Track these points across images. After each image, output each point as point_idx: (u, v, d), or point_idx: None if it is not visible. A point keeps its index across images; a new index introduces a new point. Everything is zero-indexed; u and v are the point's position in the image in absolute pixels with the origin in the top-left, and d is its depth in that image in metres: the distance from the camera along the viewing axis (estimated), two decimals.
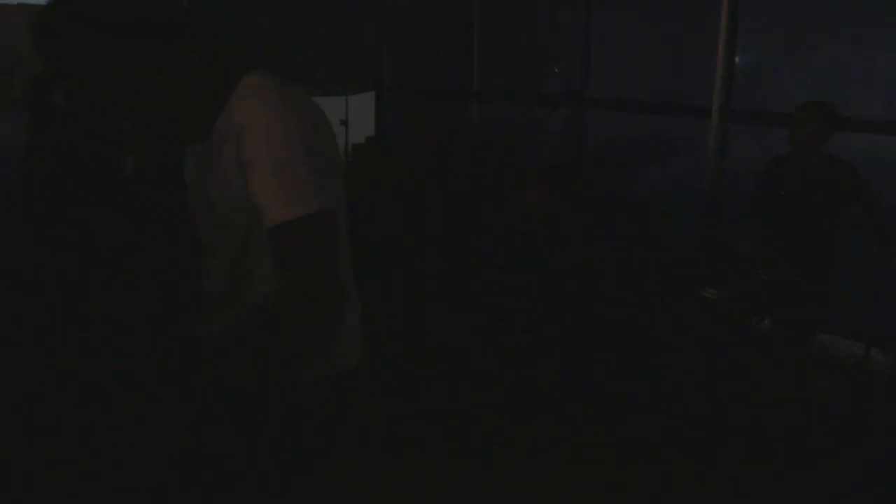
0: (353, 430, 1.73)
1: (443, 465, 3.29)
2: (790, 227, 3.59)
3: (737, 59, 4.65)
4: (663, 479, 3.19)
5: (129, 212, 4.15)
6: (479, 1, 6.22)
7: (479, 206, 3.47)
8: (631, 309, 3.88)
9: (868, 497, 3.09)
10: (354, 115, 6.28)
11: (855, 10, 5.02)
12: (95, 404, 1.52)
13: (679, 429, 3.43)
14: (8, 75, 5.02)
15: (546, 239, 3.78)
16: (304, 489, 1.68)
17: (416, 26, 6.03)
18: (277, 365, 1.56)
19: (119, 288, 1.68)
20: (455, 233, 3.44)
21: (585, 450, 3.41)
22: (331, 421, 1.68)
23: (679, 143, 5.40)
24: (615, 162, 5.12)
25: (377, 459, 3.29)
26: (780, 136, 3.69)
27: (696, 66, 4.86)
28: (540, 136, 5.67)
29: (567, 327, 4.11)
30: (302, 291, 1.43)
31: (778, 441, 3.36)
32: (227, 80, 1.51)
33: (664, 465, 3.25)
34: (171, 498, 1.59)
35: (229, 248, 1.56)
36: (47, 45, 1.39)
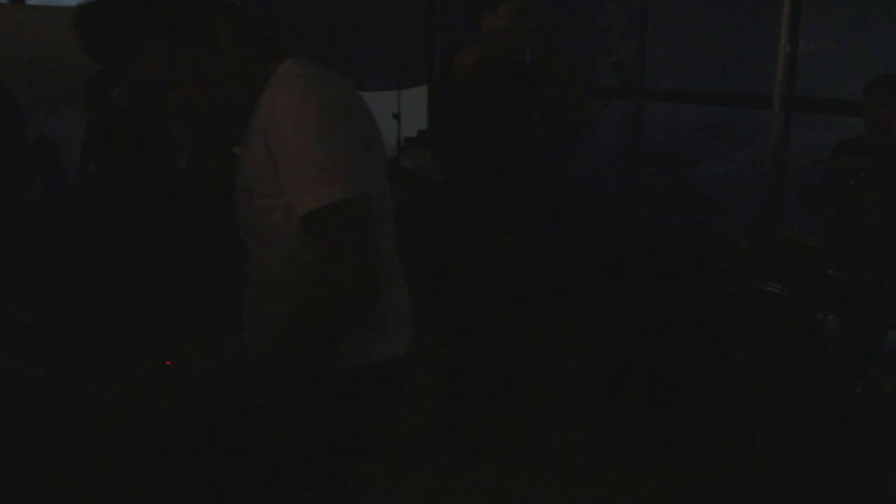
0: (399, 420, 1.70)
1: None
2: (860, 216, 3.44)
3: (799, 48, 4.54)
4: (711, 478, 3.13)
5: (179, 209, 4.19)
6: None
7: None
8: (688, 303, 3.81)
9: None
10: (407, 109, 6.27)
11: None
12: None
13: (737, 428, 3.36)
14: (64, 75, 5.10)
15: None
16: (347, 481, 1.66)
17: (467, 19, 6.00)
18: (321, 360, 1.53)
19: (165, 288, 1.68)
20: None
21: (633, 445, 3.36)
22: (379, 409, 1.66)
23: (742, 135, 5.29)
24: (674, 155, 5.02)
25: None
26: (846, 124, 3.58)
27: (757, 55, 4.74)
28: (595, 129, 5.61)
29: (621, 321, 4.05)
30: (335, 283, 1.40)
31: (843, 443, 3.27)
32: (264, 67, 1.51)
33: (713, 464, 3.19)
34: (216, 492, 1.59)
35: (273, 237, 1.54)
36: (85, 37, 1.42)
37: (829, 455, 3.18)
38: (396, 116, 6.23)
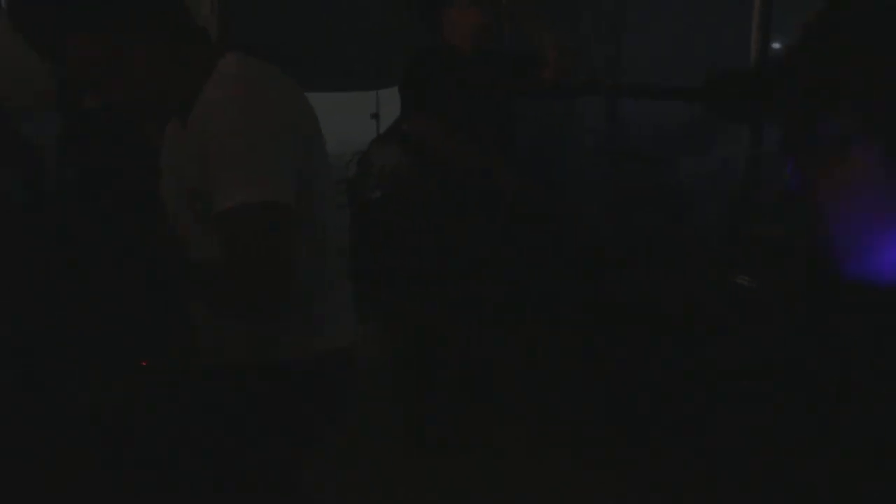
0: (345, 412, 1.71)
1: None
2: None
3: (777, 45, 4.53)
4: (683, 474, 3.11)
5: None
6: None
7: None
8: (660, 296, 3.80)
9: None
10: (386, 109, 6.24)
11: None
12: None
13: (709, 421, 3.35)
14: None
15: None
16: (296, 473, 1.67)
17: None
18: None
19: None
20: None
21: (602, 443, 3.34)
22: (320, 400, 1.67)
23: (719, 130, 5.29)
24: (651, 151, 5.02)
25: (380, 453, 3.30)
26: None
27: (733, 50, 4.74)
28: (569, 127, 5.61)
29: (592, 315, 4.04)
30: (235, 284, 1.42)
31: (819, 432, 3.25)
32: (204, 61, 1.49)
33: (687, 461, 3.17)
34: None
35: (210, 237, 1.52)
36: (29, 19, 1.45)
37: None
38: (375, 116, 6.21)
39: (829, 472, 2.78)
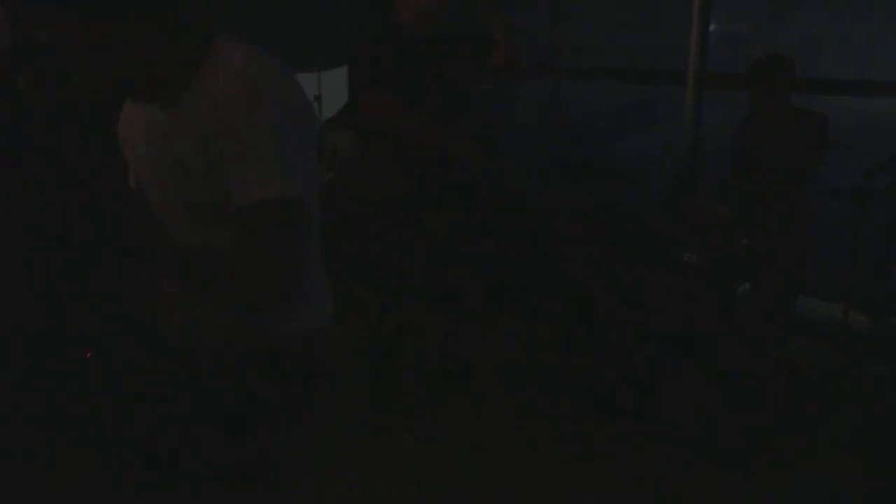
0: (328, 391, 1.72)
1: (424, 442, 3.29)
2: (767, 189, 3.55)
3: (713, 27, 4.63)
4: (640, 448, 3.18)
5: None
6: None
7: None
8: (608, 275, 3.87)
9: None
10: (328, 91, 6.22)
11: None
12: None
13: (658, 396, 3.43)
14: None
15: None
16: (281, 449, 1.67)
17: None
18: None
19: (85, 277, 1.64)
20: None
21: (561, 419, 3.40)
22: (308, 377, 1.67)
23: (657, 112, 5.39)
24: (592, 131, 5.09)
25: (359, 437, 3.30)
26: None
27: (673, 33, 4.83)
28: (513, 108, 5.65)
29: (545, 295, 4.09)
30: (253, 276, 1.40)
31: (761, 406, 3.37)
32: (192, 46, 1.47)
33: (641, 433, 3.25)
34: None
35: (200, 219, 1.50)
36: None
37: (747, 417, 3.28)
38: (317, 99, 6.17)
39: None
